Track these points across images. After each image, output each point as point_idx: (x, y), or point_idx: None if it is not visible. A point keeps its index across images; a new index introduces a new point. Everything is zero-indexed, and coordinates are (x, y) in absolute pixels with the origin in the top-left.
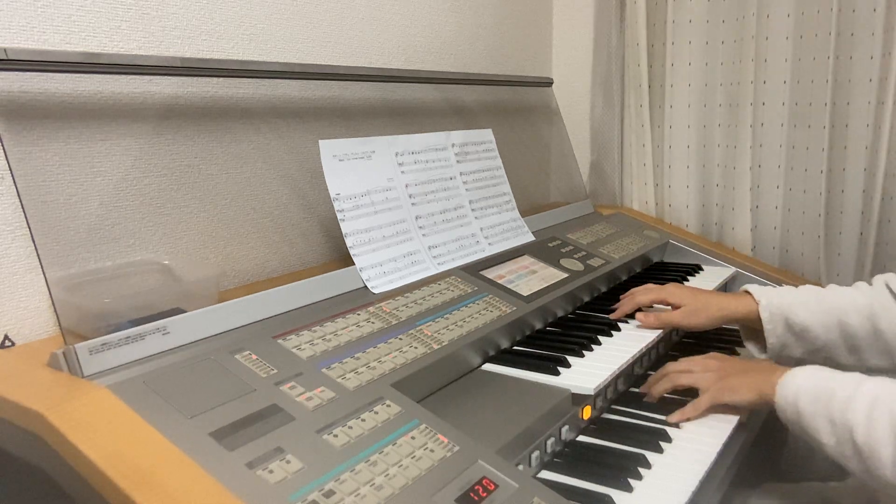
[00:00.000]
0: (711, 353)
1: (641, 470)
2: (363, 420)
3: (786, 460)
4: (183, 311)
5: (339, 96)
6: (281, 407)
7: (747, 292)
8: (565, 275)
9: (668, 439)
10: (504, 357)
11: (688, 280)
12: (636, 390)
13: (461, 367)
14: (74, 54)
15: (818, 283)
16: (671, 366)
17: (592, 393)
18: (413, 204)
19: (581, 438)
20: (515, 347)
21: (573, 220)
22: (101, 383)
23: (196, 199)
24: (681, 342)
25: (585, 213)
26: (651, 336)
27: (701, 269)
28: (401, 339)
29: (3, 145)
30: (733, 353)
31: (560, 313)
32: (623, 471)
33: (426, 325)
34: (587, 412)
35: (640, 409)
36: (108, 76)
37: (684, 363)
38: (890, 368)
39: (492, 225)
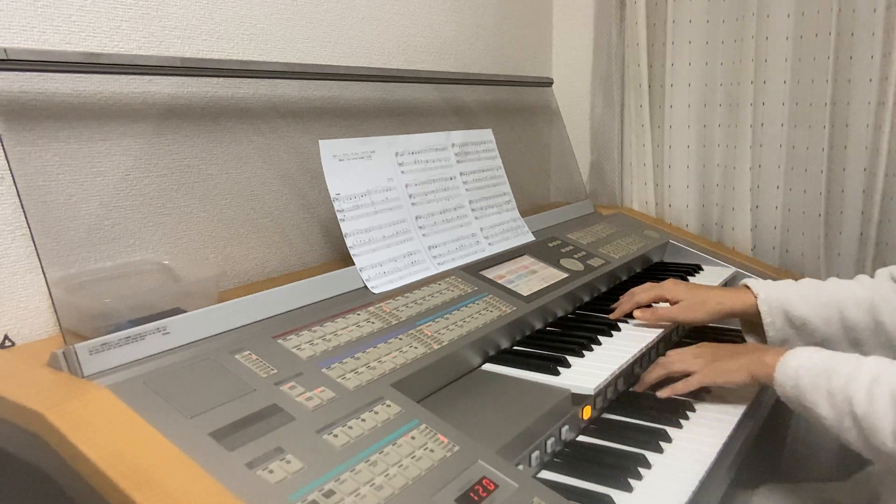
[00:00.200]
0: (702, 343)
1: (641, 470)
2: (363, 420)
3: (786, 460)
4: (183, 311)
5: (339, 96)
6: (281, 407)
7: (746, 286)
8: (565, 275)
9: (668, 439)
10: (504, 357)
11: (688, 280)
12: (636, 390)
13: (461, 367)
14: (74, 54)
15: None
16: (664, 357)
17: (592, 393)
18: (413, 204)
19: (581, 438)
20: (515, 347)
21: (573, 220)
22: (101, 383)
23: (196, 199)
24: (681, 342)
25: (585, 213)
26: (651, 336)
27: (701, 269)
28: (401, 339)
29: (3, 145)
30: None
31: (560, 313)
32: (623, 471)
33: (426, 325)
34: (587, 412)
35: (640, 410)
36: (108, 76)
37: (675, 353)
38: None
39: (492, 225)
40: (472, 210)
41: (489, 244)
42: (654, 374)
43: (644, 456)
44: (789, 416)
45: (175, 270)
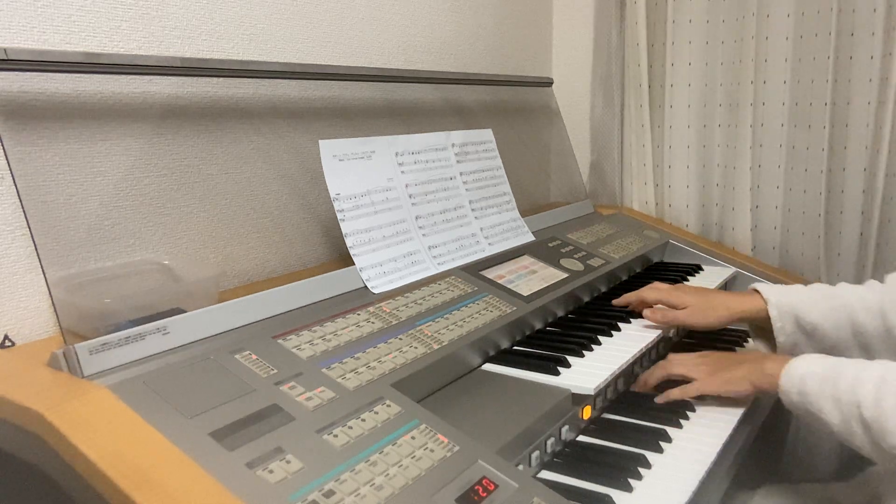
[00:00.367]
0: (706, 352)
1: (641, 470)
2: (363, 420)
3: (786, 461)
4: (183, 311)
5: (339, 96)
6: (281, 407)
7: (756, 291)
8: (565, 275)
9: (668, 439)
10: (504, 357)
11: (688, 280)
12: (635, 390)
13: (461, 367)
14: (74, 54)
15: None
16: (665, 360)
17: (592, 393)
18: (413, 204)
19: (581, 438)
20: (515, 347)
21: (573, 220)
22: (101, 383)
23: (196, 199)
24: (681, 342)
25: (585, 213)
26: (651, 336)
27: (701, 269)
28: (401, 339)
29: (3, 145)
30: None
31: (560, 313)
32: (623, 471)
33: (426, 325)
34: (587, 412)
35: (640, 410)
36: (108, 76)
37: (678, 357)
38: None
39: (492, 225)
40: (472, 210)
41: (489, 244)
42: (654, 375)
43: (644, 456)
44: (789, 416)
45: (175, 270)
